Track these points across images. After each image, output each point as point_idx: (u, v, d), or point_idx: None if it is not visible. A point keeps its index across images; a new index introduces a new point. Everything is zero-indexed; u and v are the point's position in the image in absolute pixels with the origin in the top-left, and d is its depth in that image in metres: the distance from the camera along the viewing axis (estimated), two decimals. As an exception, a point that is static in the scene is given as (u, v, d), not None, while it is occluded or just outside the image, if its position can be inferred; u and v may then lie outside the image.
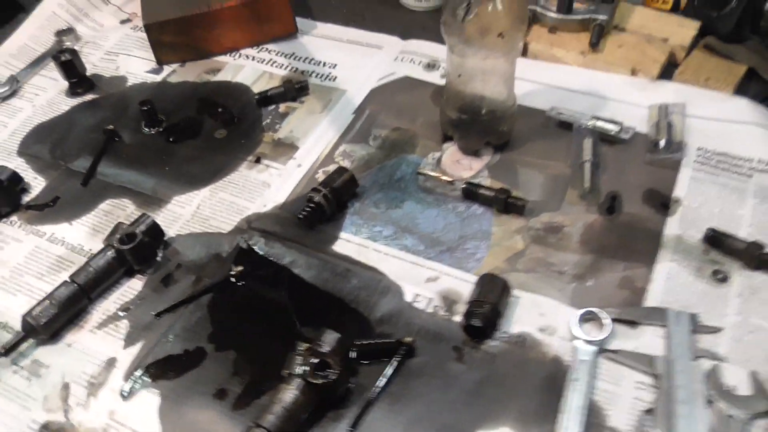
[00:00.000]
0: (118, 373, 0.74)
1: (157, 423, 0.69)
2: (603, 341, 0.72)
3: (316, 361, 0.67)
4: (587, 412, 0.67)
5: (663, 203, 0.85)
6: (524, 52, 1.07)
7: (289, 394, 0.66)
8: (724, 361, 0.70)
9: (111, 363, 0.75)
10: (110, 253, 0.81)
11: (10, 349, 0.74)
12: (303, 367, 0.67)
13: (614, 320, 0.73)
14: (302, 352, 0.68)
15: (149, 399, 0.71)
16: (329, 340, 0.70)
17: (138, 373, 0.73)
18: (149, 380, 0.73)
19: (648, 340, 0.72)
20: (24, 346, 0.76)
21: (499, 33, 0.77)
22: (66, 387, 0.73)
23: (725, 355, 0.70)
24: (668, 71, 1.02)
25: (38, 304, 0.76)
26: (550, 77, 1.03)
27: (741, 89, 0.99)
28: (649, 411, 0.67)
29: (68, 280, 0.78)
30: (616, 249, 0.81)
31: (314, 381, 0.66)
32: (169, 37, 1.11)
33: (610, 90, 0.99)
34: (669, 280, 0.77)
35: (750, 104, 0.95)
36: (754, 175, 0.87)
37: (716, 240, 0.80)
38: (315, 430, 0.68)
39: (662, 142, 0.91)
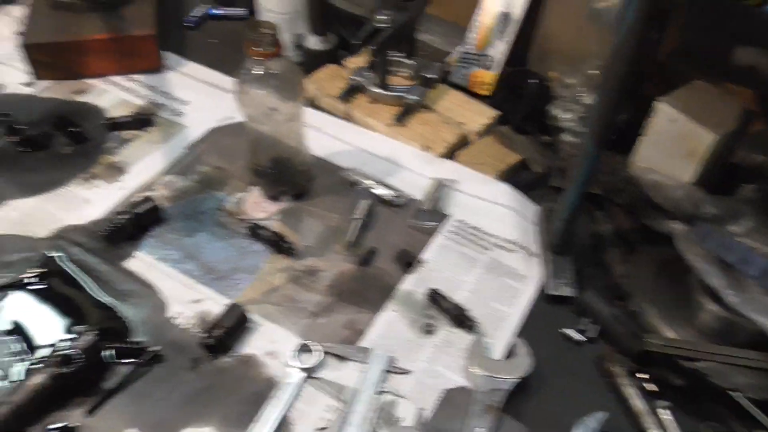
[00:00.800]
0: None
1: None
2: (311, 369, 0.89)
3: (64, 354, 0.82)
4: (278, 424, 0.83)
5: (408, 262, 1.03)
6: (347, 116, 1.25)
7: (36, 379, 0.82)
8: (403, 397, 0.87)
9: None
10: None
11: None
12: (51, 359, 0.82)
13: (327, 353, 0.90)
14: (57, 345, 0.84)
15: None
16: (84, 339, 0.85)
17: None
18: None
19: (349, 372, 0.90)
20: None
21: (271, 107, 0.94)
22: None
23: (405, 393, 0.88)
24: (456, 150, 1.20)
25: None
26: (359, 141, 1.21)
27: (513, 175, 1.18)
28: (322, 429, 0.84)
29: None
30: (354, 295, 0.99)
31: (58, 369, 0.82)
32: (44, 57, 1.26)
33: (403, 159, 1.18)
34: (386, 327, 0.95)
35: (509, 189, 1.14)
36: (493, 249, 1.06)
37: (433, 299, 0.98)
38: (60, 411, 0.83)
39: (425, 211, 1.09)
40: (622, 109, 0.99)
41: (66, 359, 0.83)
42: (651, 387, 0.87)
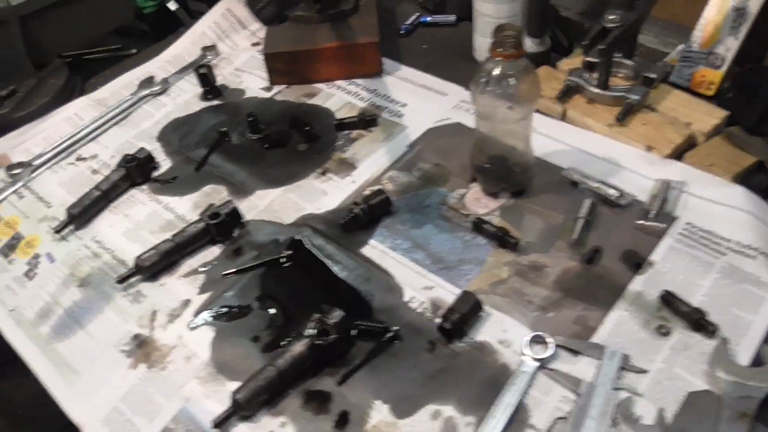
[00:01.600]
0: (190, 310, 1.03)
1: (208, 349, 0.97)
2: (544, 360, 0.91)
3: (323, 327, 0.91)
4: (515, 410, 0.86)
5: (636, 263, 1.01)
6: (563, 116, 1.25)
7: (297, 348, 0.91)
8: (640, 396, 0.86)
9: (186, 303, 1.04)
10: (201, 225, 1.10)
11: (123, 280, 1.05)
12: (311, 331, 0.92)
13: (559, 346, 0.92)
14: (314, 320, 0.93)
15: (207, 333, 1.00)
16: (335, 315, 0.94)
17: (205, 314, 1.01)
18: (211, 320, 1.01)
19: (583, 367, 0.90)
20: (133, 279, 1.07)
21: (508, 106, 0.98)
22: (154, 313, 1.03)
23: (642, 392, 0.87)
24: (683, 152, 1.16)
25: (147, 251, 1.07)
26: (577, 141, 1.21)
27: (746, 178, 1.11)
28: (562, 418, 0.85)
29: (170, 238, 1.09)
30: (581, 292, 0.99)
31: (317, 341, 0.91)
32: (281, 65, 1.41)
33: (624, 160, 1.16)
34: (617, 326, 0.94)
35: (745, 192, 1.07)
36: (728, 254, 1.01)
37: (667, 301, 0.95)
38: (313, 379, 0.92)
39: (653, 213, 1.06)
40: None
41: (322, 332, 0.92)
42: None
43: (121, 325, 1.02)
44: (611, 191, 1.10)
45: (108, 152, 1.33)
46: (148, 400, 0.93)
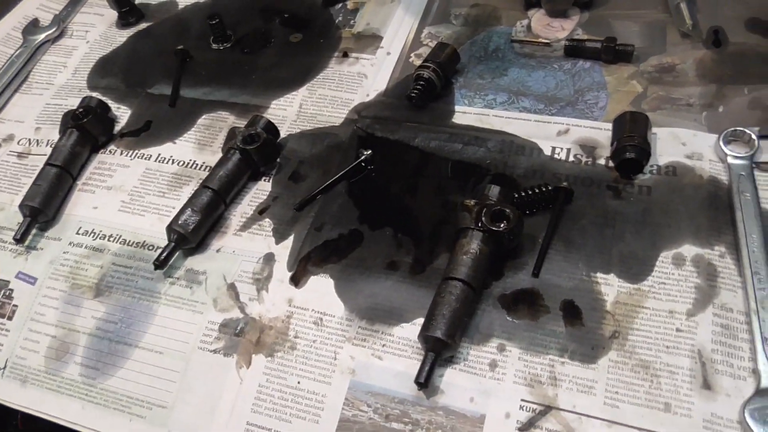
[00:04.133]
0: (281, 267, 0.72)
1: (338, 301, 0.69)
2: (753, 155, 0.73)
3: (494, 209, 0.66)
4: (762, 220, 0.67)
5: (767, 28, 0.86)
6: None
7: (472, 245, 0.65)
8: None
9: (270, 258, 0.73)
10: (236, 156, 0.78)
11: (164, 260, 0.72)
12: (479, 220, 0.66)
13: (761, 136, 0.74)
14: (471, 207, 0.67)
15: (322, 282, 0.70)
16: (494, 192, 0.69)
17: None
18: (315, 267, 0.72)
19: (794, 149, 0.74)
20: (175, 257, 0.74)
21: None
22: (232, 287, 0.71)
23: None
24: None
25: (180, 213, 0.74)
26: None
27: None
28: (821, 206, 0.68)
29: (203, 187, 0.76)
30: (735, 76, 0.82)
31: (495, 228, 0.65)
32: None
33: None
34: (797, 95, 0.78)
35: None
36: None
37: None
38: (499, 282, 0.68)
39: (749, -26, 0.90)
40: None
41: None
42: None
43: (194, 318, 0.70)
44: (694, -34, 0.93)
45: (27, 127, 0.93)
46: (296, 397, 0.63)
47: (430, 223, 0.74)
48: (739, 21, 0.87)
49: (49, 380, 0.69)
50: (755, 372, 0.59)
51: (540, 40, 0.90)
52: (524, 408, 0.60)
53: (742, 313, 0.62)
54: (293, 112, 0.88)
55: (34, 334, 0.73)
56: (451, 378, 0.62)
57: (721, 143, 0.74)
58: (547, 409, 0.60)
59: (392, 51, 0.93)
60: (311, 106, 0.88)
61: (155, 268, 0.72)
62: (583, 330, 0.64)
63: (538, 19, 0.94)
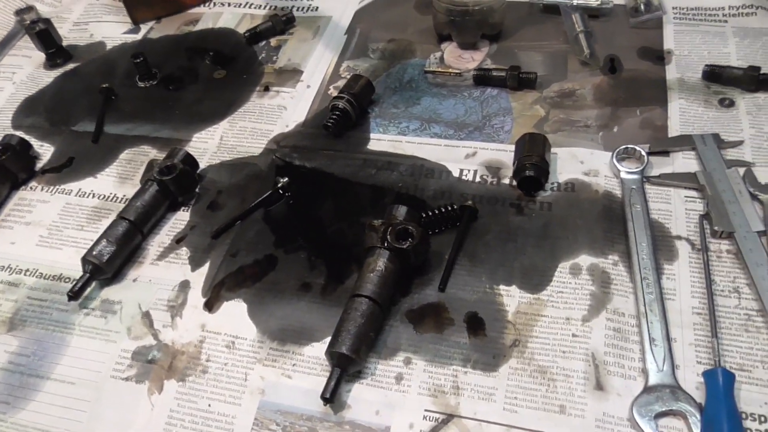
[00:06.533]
0: (196, 293, 0.73)
1: (250, 324, 0.70)
2: (644, 170, 0.77)
3: (399, 228, 0.69)
4: (650, 230, 0.72)
5: (658, 56, 0.93)
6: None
7: (378, 263, 0.68)
8: (753, 165, 0.77)
9: (185, 285, 0.74)
10: (153, 188, 0.80)
11: (78, 291, 0.72)
12: (385, 238, 0.69)
13: (650, 153, 0.79)
14: (377, 227, 0.70)
15: (235, 307, 0.72)
16: (401, 212, 0.72)
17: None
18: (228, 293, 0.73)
19: (681, 163, 0.79)
20: (90, 288, 0.74)
21: None
22: (147, 315, 0.72)
23: (752, 161, 0.77)
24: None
25: (95, 244, 0.75)
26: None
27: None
28: (704, 215, 0.73)
29: (119, 218, 0.77)
30: (628, 99, 0.87)
31: (400, 246, 0.68)
32: (138, -6, 1.09)
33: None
34: (683, 114, 0.84)
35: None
36: (729, 19, 0.96)
37: (715, 74, 0.87)
38: (407, 298, 0.70)
39: (642, 6, 0.98)
40: None
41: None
42: None
43: (106, 347, 0.70)
44: (591, 1, 1.00)
45: (-53, 166, 0.93)
46: (206, 420, 0.64)
47: (342, 245, 0.76)
48: (632, 50, 0.94)
49: (-41, 420, 0.68)
50: (644, 371, 0.62)
51: (451, 70, 0.95)
52: (427, 418, 0.62)
53: (632, 317, 0.66)
54: (214, 144, 0.90)
55: (-56, 374, 0.72)
56: (358, 393, 0.64)
57: (615, 160, 0.79)
58: (449, 417, 0.61)
59: (312, 84, 0.97)
60: (231, 138, 0.91)
61: (69, 299, 0.72)
62: (485, 340, 0.66)
63: (450, 51, 0.99)
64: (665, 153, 0.80)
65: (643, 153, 0.79)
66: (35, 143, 0.93)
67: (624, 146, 0.79)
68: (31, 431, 0.66)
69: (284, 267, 0.75)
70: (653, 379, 0.61)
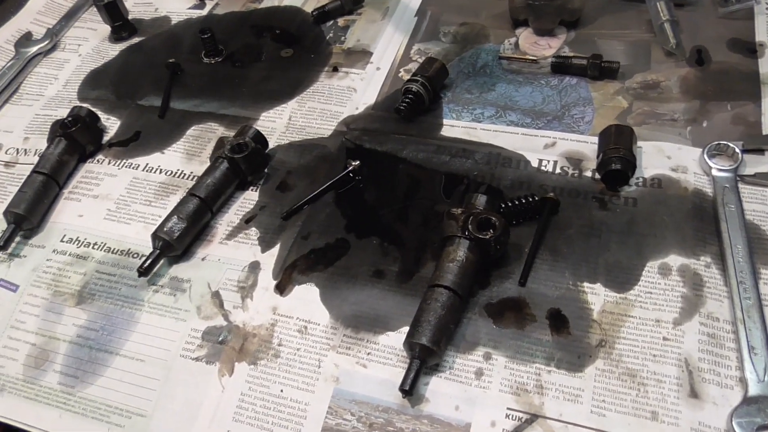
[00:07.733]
0: (266, 274, 0.72)
1: (323, 309, 0.68)
2: (737, 168, 0.73)
3: (481, 217, 0.66)
4: (746, 232, 0.68)
5: (749, 49, 0.88)
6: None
7: (459, 253, 0.65)
8: None
9: (255, 266, 0.72)
10: (224, 165, 0.78)
11: (148, 267, 0.71)
12: (466, 228, 0.66)
13: (745, 150, 0.75)
14: (458, 215, 0.67)
15: (307, 290, 0.70)
16: (480, 201, 0.69)
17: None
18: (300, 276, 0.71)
19: (777, 161, 0.75)
20: (159, 264, 0.73)
21: None
22: (216, 295, 0.71)
23: None
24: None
25: (166, 220, 0.73)
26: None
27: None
28: (805, 219, 0.68)
29: (189, 194, 0.76)
30: (718, 93, 0.83)
31: (482, 236, 0.65)
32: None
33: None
34: (778, 109, 0.80)
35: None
36: (827, 8, 0.91)
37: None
38: (485, 291, 0.67)
39: (728, -3, 0.93)
40: None
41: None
42: None
43: (176, 326, 0.69)
44: (677, -11, 0.95)
45: (15, 137, 0.93)
46: (278, 405, 0.62)
47: (416, 233, 0.74)
48: (720, 41, 0.89)
49: (27, 388, 0.68)
50: (742, 380, 0.58)
51: (527, 56, 0.91)
52: (510, 416, 0.59)
53: (728, 322, 0.62)
54: (282, 123, 0.88)
55: (13, 342, 0.71)
56: (436, 386, 0.61)
57: (706, 157, 0.75)
58: (533, 417, 0.59)
59: (382, 66, 0.94)
60: (300, 118, 0.89)
61: (139, 276, 0.71)
62: (569, 338, 0.63)
63: (525, 37, 0.95)
64: (760, 151, 0.76)
65: (738, 150, 0.74)
66: (102, 116, 0.92)
67: (716, 142, 0.75)
68: (100, 407, 0.65)
69: (356, 252, 0.73)
70: (753, 390, 0.57)
